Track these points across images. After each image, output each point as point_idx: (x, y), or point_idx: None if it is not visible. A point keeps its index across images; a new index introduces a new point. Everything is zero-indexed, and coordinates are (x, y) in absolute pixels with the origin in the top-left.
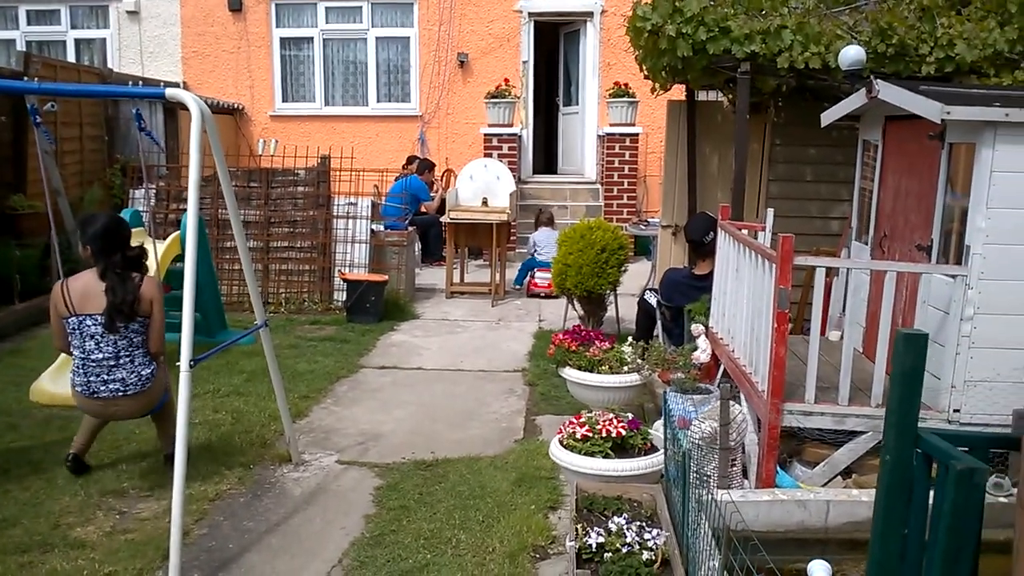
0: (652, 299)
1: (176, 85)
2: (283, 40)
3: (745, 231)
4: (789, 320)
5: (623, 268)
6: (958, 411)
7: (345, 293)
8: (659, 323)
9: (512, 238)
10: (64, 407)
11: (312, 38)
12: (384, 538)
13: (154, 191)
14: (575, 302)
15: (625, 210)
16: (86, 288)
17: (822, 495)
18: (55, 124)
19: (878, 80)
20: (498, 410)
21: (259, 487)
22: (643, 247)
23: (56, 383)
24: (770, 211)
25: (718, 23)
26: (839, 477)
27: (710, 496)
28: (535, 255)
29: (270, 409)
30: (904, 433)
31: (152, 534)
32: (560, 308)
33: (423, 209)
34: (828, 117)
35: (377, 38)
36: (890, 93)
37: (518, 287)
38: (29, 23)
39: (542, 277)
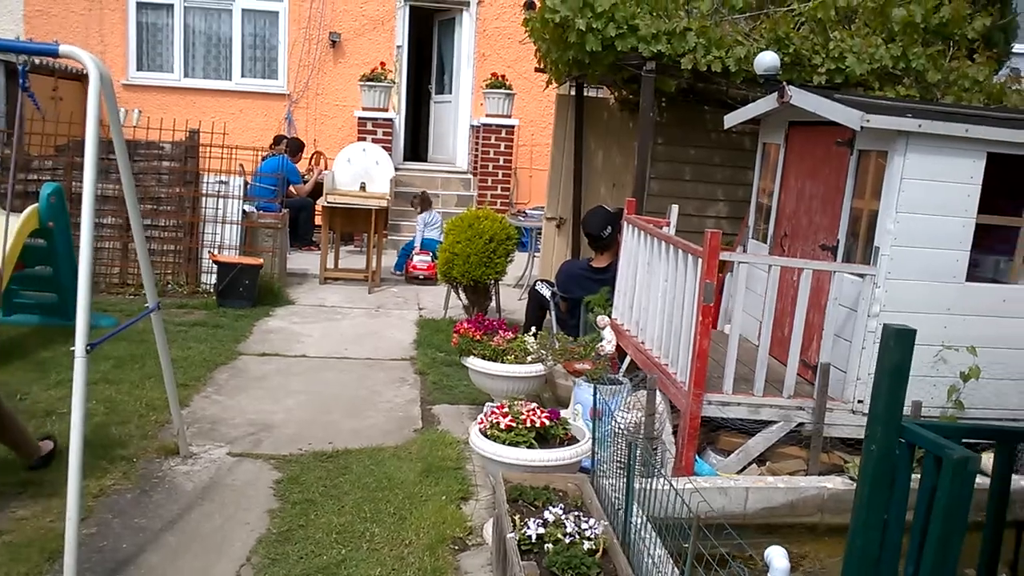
0: (545, 290)
1: None
2: (140, 4)
3: (651, 226)
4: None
5: (510, 258)
6: (861, 402)
7: (216, 276)
8: (552, 314)
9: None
10: None
11: (172, 5)
12: (293, 534)
13: None
14: (460, 291)
15: (499, 201)
16: None
17: (742, 482)
18: None
19: (790, 86)
20: (392, 399)
21: (146, 482)
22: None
23: None
24: (674, 207)
25: (627, 20)
26: (753, 464)
27: (668, 484)
28: (422, 235)
29: (146, 398)
30: (890, 424)
31: (33, 535)
32: (438, 295)
33: (292, 191)
34: (732, 119)
35: (244, 10)
36: (805, 100)
37: (399, 273)
38: None
39: (421, 260)
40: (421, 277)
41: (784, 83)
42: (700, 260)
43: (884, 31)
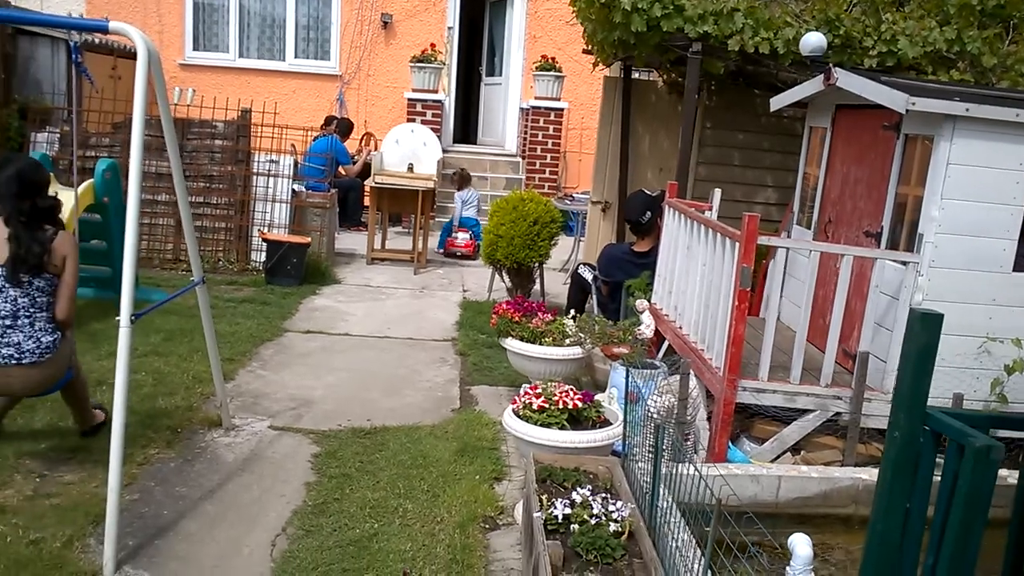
0: (587, 274)
1: None
2: None
3: (692, 210)
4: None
5: (554, 242)
6: None
7: (265, 254)
8: (593, 298)
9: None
10: None
11: None
12: (328, 507)
13: (58, 136)
14: (503, 273)
15: (547, 184)
16: None
17: (774, 471)
18: None
19: (836, 68)
20: (432, 379)
21: (189, 452)
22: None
23: None
24: (717, 191)
25: (673, 0)
26: (788, 453)
27: (696, 470)
28: (460, 212)
29: (193, 371)
30: (914, 410)
31: (79, 499)
32: (483, 277)
33: (341, 172)
34: (779, 102)
35: None
36: (850, 81)
37: (440, 251)
38: None
39: (461, 237)
40: (459, 254)
41: (831, 65)
42: (738, 244)
43: (939, 13)
